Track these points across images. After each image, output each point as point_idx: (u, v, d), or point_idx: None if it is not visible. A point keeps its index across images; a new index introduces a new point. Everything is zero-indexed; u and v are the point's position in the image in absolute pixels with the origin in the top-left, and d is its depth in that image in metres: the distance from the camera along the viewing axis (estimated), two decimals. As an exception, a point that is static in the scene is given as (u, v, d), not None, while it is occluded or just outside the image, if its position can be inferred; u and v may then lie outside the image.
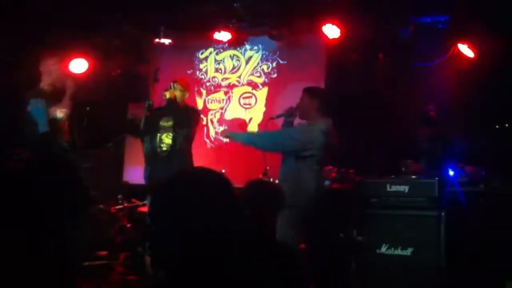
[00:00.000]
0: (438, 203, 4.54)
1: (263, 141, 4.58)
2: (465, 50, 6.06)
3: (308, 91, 4.58)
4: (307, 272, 2.36)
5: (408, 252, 4.61)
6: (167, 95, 5.07)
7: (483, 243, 4.57)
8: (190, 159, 5.09)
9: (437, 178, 4.62)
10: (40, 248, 1.58)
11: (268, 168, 5.96)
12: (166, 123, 5.09)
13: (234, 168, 6.67)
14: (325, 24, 6.31)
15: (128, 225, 5.78)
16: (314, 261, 4.26)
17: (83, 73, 6.99)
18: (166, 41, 7.10)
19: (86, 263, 5.18)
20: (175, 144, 4.99)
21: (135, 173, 6.81)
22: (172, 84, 5.14)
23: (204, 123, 7.21)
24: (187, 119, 5.08)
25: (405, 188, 4.75)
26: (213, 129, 7.24)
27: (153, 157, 5.03)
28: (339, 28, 6.31)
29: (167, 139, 5.05)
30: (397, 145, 6.02)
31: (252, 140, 4.66)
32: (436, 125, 5.36)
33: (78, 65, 6.97)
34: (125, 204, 5.91)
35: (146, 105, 5.04)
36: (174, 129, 5.02)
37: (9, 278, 1.52)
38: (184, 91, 5.17)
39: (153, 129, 5.04)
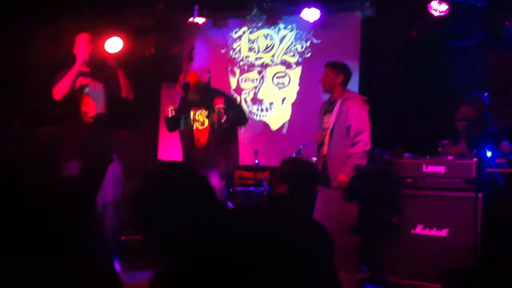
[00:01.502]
0: (475, 184, 4.49)
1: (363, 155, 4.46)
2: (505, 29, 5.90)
3: (332, 66, 4.64)
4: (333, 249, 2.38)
5: (443, 233, 4.58)
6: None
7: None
8: (230, 139, 5.06)
9: (475, 159, 4.55)
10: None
11: (301, 146, 5.97)
12: (196, 101, 5.06)
13: (268, 147, 6.69)
14: (360, 2, 6.25)
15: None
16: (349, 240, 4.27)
17: (118, 52, 7.07)
18: (200, 20, 7.10)
19: (123, 238, 5.28)
20: (212, 122, 4.98)
21: (170, 151, 6.89)
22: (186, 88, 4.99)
23: (238, 102, 7.22)
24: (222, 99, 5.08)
25: (441, 169, 4.71)
26: (247, 109, 7.25)
27: (188, 137, 5.03)
28: (374, 6, 6.22)
29: (201, 117, 5.06)
30: (434, 126, 5.94)
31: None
32: (482, 107, 5.26)
33: (114, 44, 7.04)
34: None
35: (182, 85, 5.06)
36: (206, 107, 5.01)
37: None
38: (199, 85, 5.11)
39: (185, 112, 5.04)
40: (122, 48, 7.07)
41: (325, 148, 4.53)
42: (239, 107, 5.16)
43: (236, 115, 4.94)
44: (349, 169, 4.35)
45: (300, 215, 2.66)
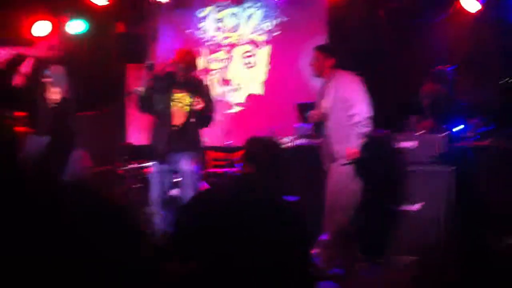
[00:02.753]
0: (446, 158, 4.57)
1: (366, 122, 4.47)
2: (468, 5, 5.97)
3: (322, 49, 4.68)
4: (308, 232, 2.39)
5: (415, 207, 4.66)
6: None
7: (491, 197, 4.62)
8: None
9: (445, 134, 4.64)
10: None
11: (274, 127, 5.96)
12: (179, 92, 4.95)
13: (239, 127, 6.66)
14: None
15: (135, 186, 5.82)
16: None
17: (80, 33, 6.91)
18: (163, 0, 6.97)
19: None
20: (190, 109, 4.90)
21: (139, 134, 6.78)
22: (178, 65, 4.91)
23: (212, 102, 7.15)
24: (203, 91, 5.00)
25: (411, 144, 4.77)
26: (215, 90, 7.18)
27: (164, 118, 4.89)
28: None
29: (182, 100, 4.91)
30: (399, 102, 6.01)
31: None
32: (446, 83, 5.34)
33: (76, 26, 6.87)
34: (131, 165, 5.94)
35: (148, 66, 5.00)
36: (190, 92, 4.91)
37: None
38: (192, 66, 5.04)
39: (165, 91, 4.91)
40: (85, 30, 6.92)
41: (327, 126, 4.57)
42: (211, 108, 5.07)
43: (207, 118, 4.96)
44: (354, 140, 4.37)
45: (270, 197, 2.64)
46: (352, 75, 4.63)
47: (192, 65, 4.96)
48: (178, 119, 4.86)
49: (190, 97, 4.85)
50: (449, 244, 4.45)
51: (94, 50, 7.34)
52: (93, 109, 6.75)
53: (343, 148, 4.41)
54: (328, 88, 4.59)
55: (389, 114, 5.84)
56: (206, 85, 5.16)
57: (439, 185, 4.57)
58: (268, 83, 6.93)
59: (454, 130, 4.85)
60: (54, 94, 5.09)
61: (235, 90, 7.12)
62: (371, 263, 4.57)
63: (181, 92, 4.87)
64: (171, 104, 4.84)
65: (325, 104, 4.59)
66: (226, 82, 7.15)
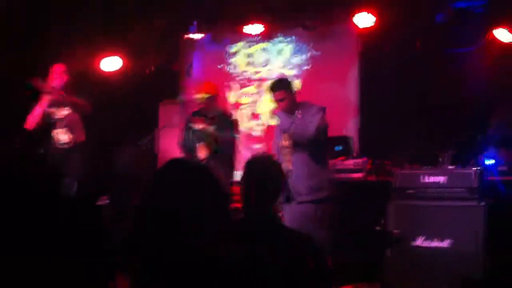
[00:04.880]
0: (478, 193, 4.39)
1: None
2: (502, 35, 5.82)
3: (285, 87, 4.42)
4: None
5: (446, 244, 4.47)
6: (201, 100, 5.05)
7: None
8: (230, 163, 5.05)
9: (476, 168, 4.46)
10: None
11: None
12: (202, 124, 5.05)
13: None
14: (359, 12, 6.17)
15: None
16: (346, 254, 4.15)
17: (115, 71, 7.06)
18: (197, 36, 7.08)
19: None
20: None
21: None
22: (199, 95, 5.09)
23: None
24: (226, 124, 5.05)
25: (442, 179, 4.61)
26: (244, 124, 7.18)
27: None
28: (374, 15, 6.15)
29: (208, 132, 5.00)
30: (434, 135, 5.86)
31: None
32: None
33: (112, 63, 7.03)
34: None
35: (180, 102, 5.09)
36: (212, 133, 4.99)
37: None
38: (213, 96, 5.11)
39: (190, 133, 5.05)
40: (121, 67, 7.07)
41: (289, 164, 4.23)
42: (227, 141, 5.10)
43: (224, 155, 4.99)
44: None
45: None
46: (317, 107, 4.42)
47: (213, 96, 5.03)
48: (201, 153, 4.89)
49: (213, 129, 4.90)
50: (483, 281, 4.25)
51: (129, 85, 7.50)
52: (127, 144, 6.83)
53: (311, 184, 4.23)
54: (293, 120, 4.35)
55: (421, 148, 5.69)
56: (232, 119, 5.19)
57: (471, 221, 4.38)
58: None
59: (486, 163, 4.66)
60: (62, 134, 5.19)
61: (264, 124, 7.09)
62: None
63: (204, 124, 4.94)
64: (196, 139, 4.93)
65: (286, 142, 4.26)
66: (255, 116, 7.14)
